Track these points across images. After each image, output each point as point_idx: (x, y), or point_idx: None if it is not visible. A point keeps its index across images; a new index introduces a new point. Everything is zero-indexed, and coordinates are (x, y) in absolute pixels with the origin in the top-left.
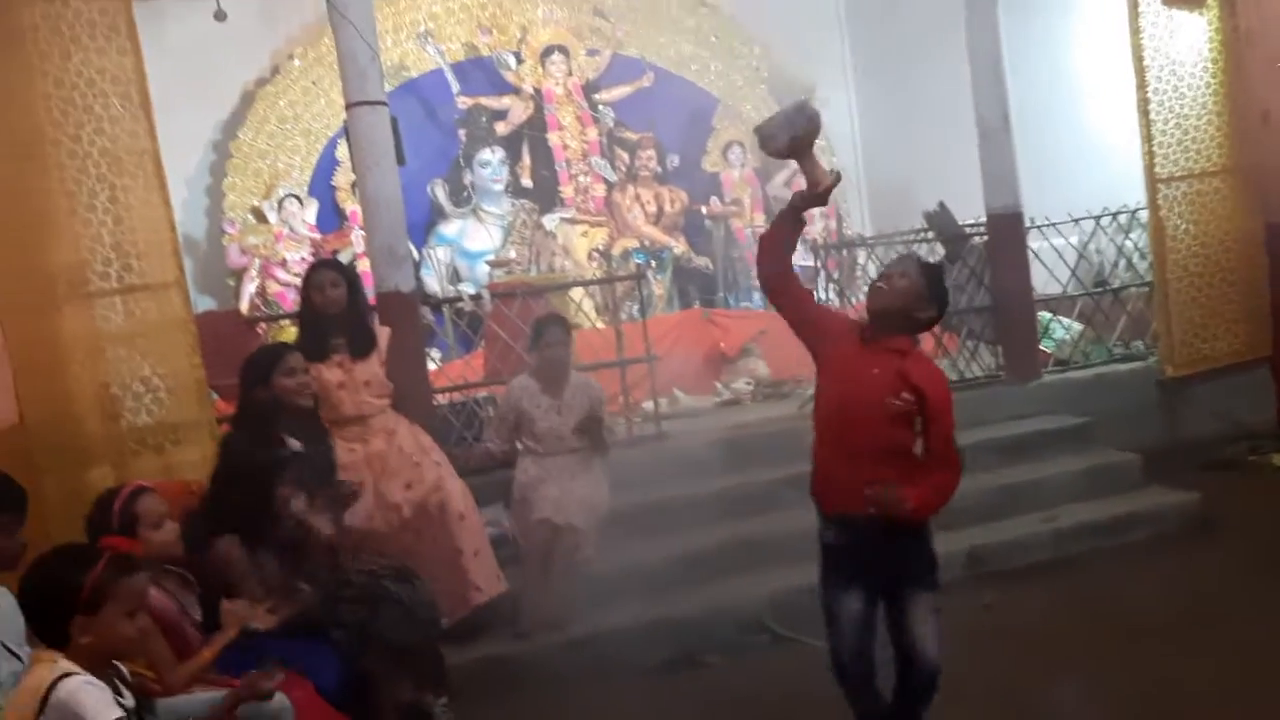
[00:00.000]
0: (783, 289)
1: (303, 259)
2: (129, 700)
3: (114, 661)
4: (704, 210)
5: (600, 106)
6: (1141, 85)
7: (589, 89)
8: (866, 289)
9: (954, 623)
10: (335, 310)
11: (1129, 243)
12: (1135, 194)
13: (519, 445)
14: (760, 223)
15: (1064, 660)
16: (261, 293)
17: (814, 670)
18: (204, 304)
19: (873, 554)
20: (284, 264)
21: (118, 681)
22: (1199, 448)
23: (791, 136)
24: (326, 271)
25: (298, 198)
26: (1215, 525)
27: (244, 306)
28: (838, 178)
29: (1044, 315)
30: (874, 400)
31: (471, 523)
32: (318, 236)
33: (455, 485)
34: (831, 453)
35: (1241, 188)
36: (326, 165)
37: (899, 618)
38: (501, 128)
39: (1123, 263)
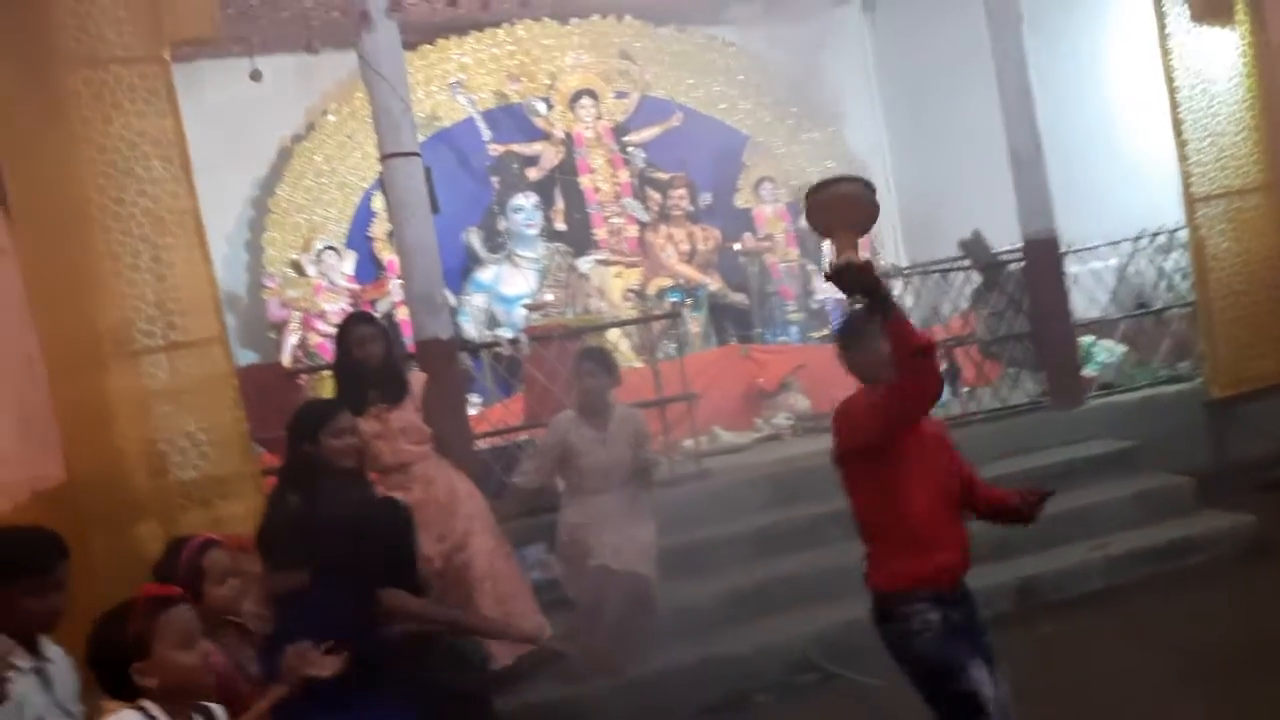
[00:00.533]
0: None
1: (342, 310)
2: None
3: (203, 703)
4: (737, 247)
5: (630, 148)
6: (1174, 104)
7: (619, 131)
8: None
9: (1010, 659)
10: (373, 363)
11: (1169, 263)
12: (1173, 214)
13: (560, 483)
14: (793, 257)
15: (1123, 691)
16: (302, 345)
17: (863, 706)
18: (246, 358)
19: (974, 621)
20: (323, 315)
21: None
22: (1250, 468)
23: (830, 190)
24: (364, 327)
25: (335, 250)
26: (1272, 547)
27: (285, 359)
28: (853, 265)
29: (1086, 339)
30: (956, 462)
31: (498, 584)
32: (356, 287)
33: (481, 543)
34: (938, 530)
35: None
36: (363, 217)
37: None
38: (533, 173)
39: (1164, 284)
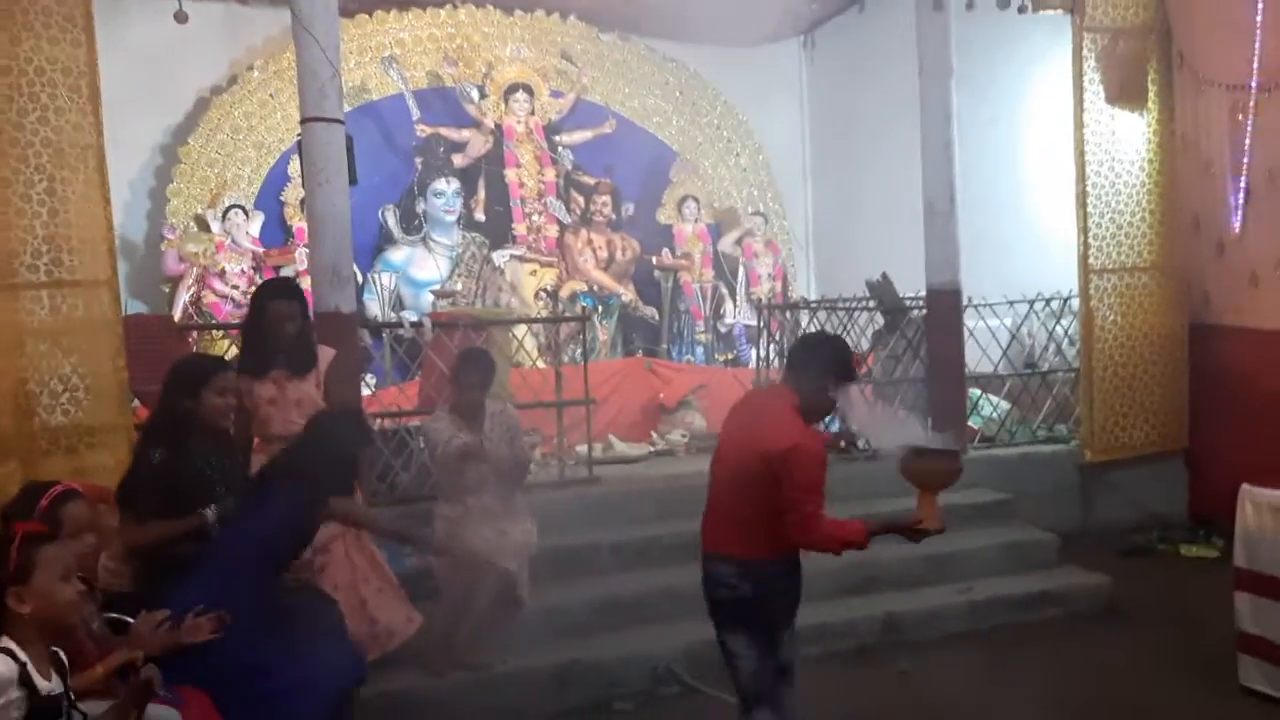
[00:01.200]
0: None
1: (242, 271)
2: (55, 685)
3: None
4: (654, 261)
5: (560, 148)
6: (1081, 178)
7: (550, 130)
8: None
9: (869, 690)
10: (288, 334)
11: (1060, 329)
12: (1068, 283)
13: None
14: (709, 278)
15: None
16: (196, 302)
17: None
18: (134, 308)
19: None
20: (223, 275)
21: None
22: (1112, 532)
23: (940, 464)
24: (286, 302)
25: (243, 209)
26: (1124, 609)
27: (177, 314)
28: (940, 531)
29: (974, 392)
30: None
31: (359, 587)
32: (260, 250)
33: (339, 548)
34: None
35: (1169, 285)
36: (277, 179)
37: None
38: (459, 159)
39: (1053, 347)
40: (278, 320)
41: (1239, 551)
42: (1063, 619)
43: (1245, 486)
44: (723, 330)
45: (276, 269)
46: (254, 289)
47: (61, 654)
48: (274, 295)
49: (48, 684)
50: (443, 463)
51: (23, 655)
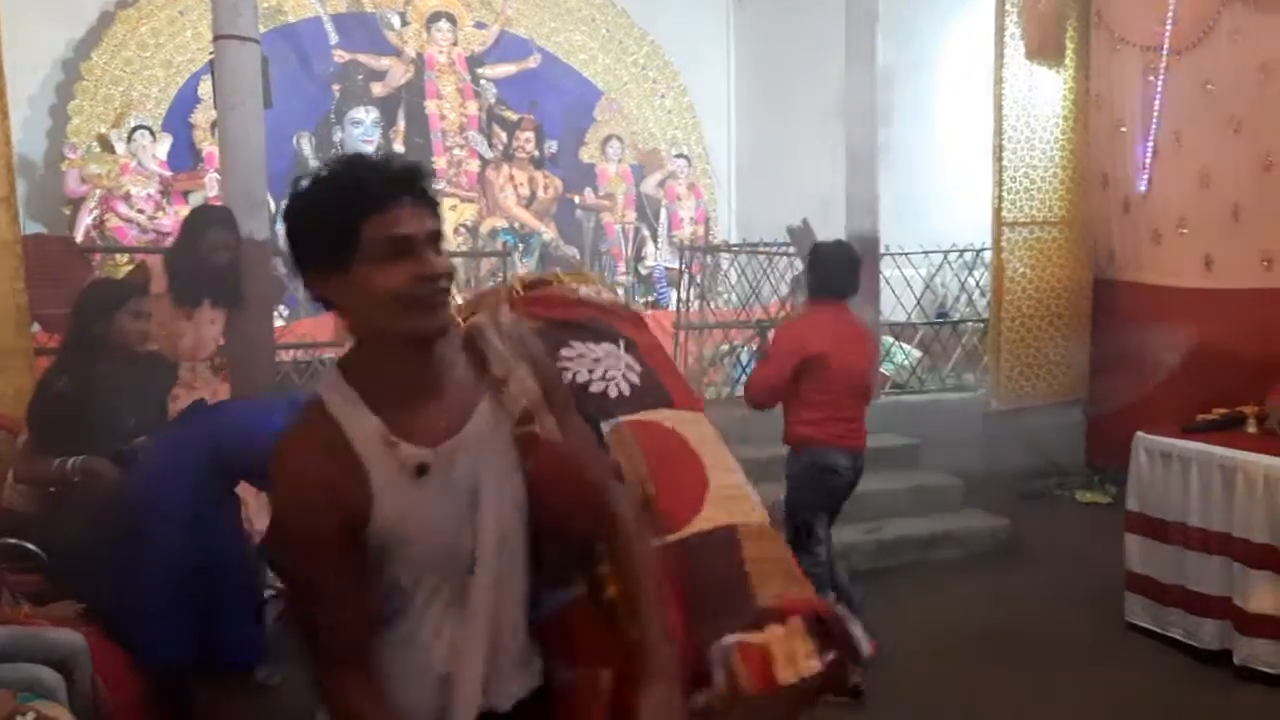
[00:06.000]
0: None
1: (149, 195)
2: None
3: None
4: (577, 200)
5: (483, 81)
6: (998, 132)
7: (473, 62)
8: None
9: None
10: (220, 263)
11: (971, 280)
12: (981, 235)
13: None
14: (630, 220)
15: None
16: (99, 225)
17: None
18: (33, 229)
19: None
20: (128, 198)
21: None
22: (1013, 478)
23: None
24: (224, 232)
25: (150, 130)
26: (1021, 550)
27: (79, 237)
28: None
29: (887, 340)
30: None
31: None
32: (168, 174)
33: None
34: None
35: (1077, 240)
36: (186, 101)
37: None
38: (378, 88)
39: (964, 298)
40: (213, 250)
41: (1131, 495)
42: (964, 558)
43: (1139, 434)
44: (644, 272)
45: (185, 194)
46: (187, 215)
47: None
48: (208, 223)
49: None
50: None
51: None
